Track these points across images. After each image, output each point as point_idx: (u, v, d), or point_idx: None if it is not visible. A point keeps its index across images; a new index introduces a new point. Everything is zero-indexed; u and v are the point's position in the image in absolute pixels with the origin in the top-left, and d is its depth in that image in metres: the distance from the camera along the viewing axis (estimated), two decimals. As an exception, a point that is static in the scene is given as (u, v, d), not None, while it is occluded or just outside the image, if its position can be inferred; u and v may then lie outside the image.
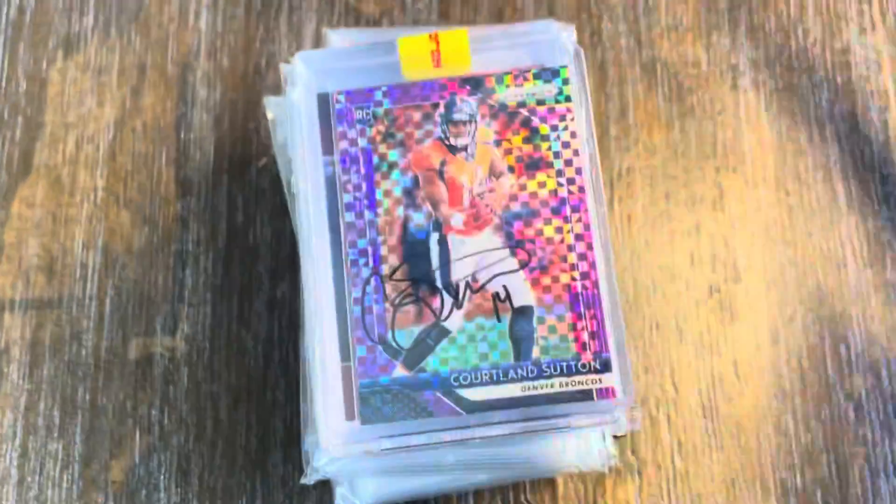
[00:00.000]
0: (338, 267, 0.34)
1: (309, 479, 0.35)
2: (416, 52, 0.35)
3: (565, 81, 0.36)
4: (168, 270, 0.45)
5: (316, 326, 0.32)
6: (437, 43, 0.35)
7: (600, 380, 0.33)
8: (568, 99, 0.36)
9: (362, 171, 0.35)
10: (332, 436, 0.31)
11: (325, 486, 0.42)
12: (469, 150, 0.35)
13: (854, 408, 0.43)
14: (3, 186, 0.47)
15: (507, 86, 0.36)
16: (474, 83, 0.36)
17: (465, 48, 0.35)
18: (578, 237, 0.35)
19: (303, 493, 0.42)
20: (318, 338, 0.33)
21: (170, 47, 0.49)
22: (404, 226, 0.34)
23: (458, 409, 0.33)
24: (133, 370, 0.44)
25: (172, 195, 0.47)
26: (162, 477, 0.43)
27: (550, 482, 0.42)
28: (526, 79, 0.36)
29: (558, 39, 0.36)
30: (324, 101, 0.34)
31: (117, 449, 0.43)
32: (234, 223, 0.46)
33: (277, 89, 0.47)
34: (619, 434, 0.40)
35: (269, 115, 0.41)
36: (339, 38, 0.38)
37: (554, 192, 0.35)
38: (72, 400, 0.44)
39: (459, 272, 0.34)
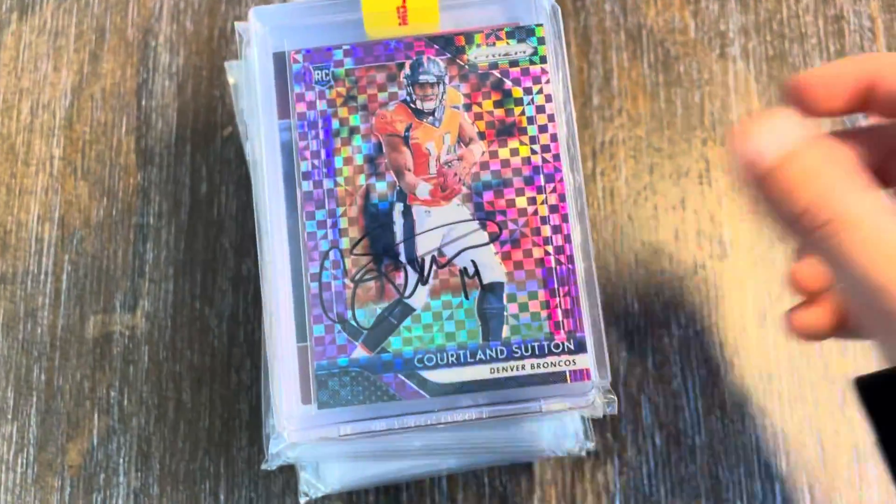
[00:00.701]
0: (294, 240, 0.32)
1: (270, 464, 0.34)
2: (380, 8, 0.32)
3: (541, 41, 0.33)
4: (128, 244, 0.43)
5: (272, 304, 0.30)
6: (404, -2, 0.33)
7: (574, 361, 0.31)
8: (543, 60, 0.33)
9: (321, 136, 0.32)
10: (288, 420, 0.29)
11: (292, 470, 0.40)
12: (437, 114, 0.33)
13: (841, 390, 0.41)
14: (-46, 156, 0.44)
15: (478, 45, 0.33)
16: (443, 42, 0.33)
17: (434, 4, 0.33)
18: (553, 209, 0.32)
19: (268, 476, 0.40)
20: (274, 316, 0.30)
21: (130, 10, 0.46)
22: (366, 196, 0.32)
23: (421, 392, 0.31)
24: (91, 349, 0.42)
25: (133, 165, 0.44)
26: (121, 461, 0.41)
27: (527, 466, 0.40)
28: (499, 38, 0.33)
29: (534, -4, 0.33)
30: (280, 60, 0.32)
31: (74, 431, 0.41)
32: (197, 195, 0.44)
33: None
34: (595, 417, 0.38)
35: (231, 80, 0.39)
36: (304, -1, 0.36)
37: (527, 160, 0.33)
38: (26, 380, 0.42)
39: (425, 246, 0.32)
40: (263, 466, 0.34)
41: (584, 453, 0.38)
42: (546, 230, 0.32)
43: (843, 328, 0.33)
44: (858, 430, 0.41)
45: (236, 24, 0.33)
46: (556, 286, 0.32)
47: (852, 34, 0.46)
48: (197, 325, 0.42)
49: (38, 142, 0.45)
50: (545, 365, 0.31)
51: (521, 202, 0.32)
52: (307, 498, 0.37)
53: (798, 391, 0.42)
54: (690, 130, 0.45)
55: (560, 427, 0.35)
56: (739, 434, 0.41)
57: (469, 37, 0.33)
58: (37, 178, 0.44)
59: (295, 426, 0.29)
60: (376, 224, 0.32)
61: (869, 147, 0.30)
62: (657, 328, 0.42)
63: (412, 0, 0.32)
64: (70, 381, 0.42)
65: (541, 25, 0.33)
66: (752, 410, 0.41)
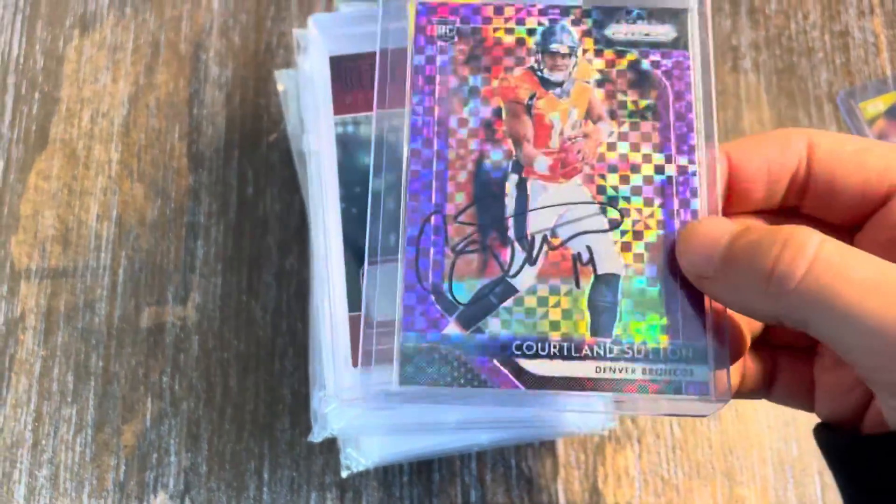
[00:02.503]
0: (347, 239, 0.31)
1: (316, 436, 0.36)
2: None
3: (684, 24, 0.31)
4: (180, 241, 0.47)
5: (324, 274, 0.32)
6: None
7: (692, 371, 0.28)
8: (686, 46, 0.30)
9: (437, 93, 0.30)
10: (340, 382, 0.31)
11: (331, 452, 0.43)
12: (565, 86, 0.30)
13: (850, 380, 0.44)
14: (21, 159, 0.48)
15: (619, 21, 0.31)
16: (582, 12, 0.31)
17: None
18: (683, 203, 0.29)
19: (309, 457, 0.43)
20: (327, 286, 0.31)
21: (183, 26, 0.50)
22: (478, 162, 0.29)
23: (516, 381, 0.28)
24: (145, 338, 0.45)
25: (185, 169, 0.48)
26: (172, 441, 0.44)
27: (551, 449, 0.43)
28: (642, 17, 0.31)
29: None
30: (336, 63, 0.35)
31: (129, 414, 0.44)
32: (244, 196, 0.47)
33: (288, 66, 0.48)
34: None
35: (280, 87, 0.42)
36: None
37: (659, 148, 0.30)
38: (85, 366, 0.45)
39: (537, 224, 0.29)
40: (309, 439, 0.37)
41: (605, 432, 0.40)
42: (674, 225, 0.29)
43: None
44: (865, 418, 0.43)
45: (294, 30, 0.36)
46: (678, 287, 0.29)
47: (857, 48, 0.49)
48: (243, 316, 0.45)
49: (97, 147, 0.48)
50: (659, 371, 0.28)
51: (649, 192, 0.29)
52: (349, 471, 0.39)
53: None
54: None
55: (586, 406, 0.38)
56: (753, 421, 0.43)
57: (610, 11, 0.31)
58: (96, 181, 0.48)
59: (347, 385, 0.31)
60: (487, 193, 0.29)
61: None
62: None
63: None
64: (125, 367, 0.45)
65: (686, 10, 0.31)
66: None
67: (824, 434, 0.28)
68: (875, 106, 0.47)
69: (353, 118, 0.34)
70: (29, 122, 0.48)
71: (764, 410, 0.44)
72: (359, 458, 0.38)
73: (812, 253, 0.23)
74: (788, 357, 0.30)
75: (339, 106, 0.34)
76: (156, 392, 0.44)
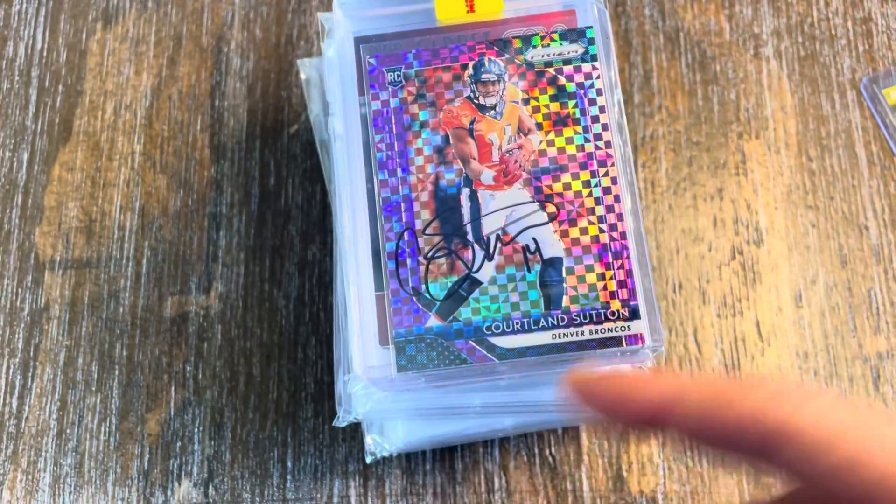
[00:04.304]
0: (372, 220, 0.35)
1: (341, 420, 0.36)
2: (450, -3, 0.36)
3: (591, 41, 0.37)
4: (202, 232, 0.47)
5: (350, 254, 0.34)
6: (471, -12, 0.37)
7: (629, 327, 0.34)
8: (594, 58, 0.37)
9: (394, 130, 0.36)
10: (368, 360, 0.32)
11: (354, 440, 0.43)
12: (498, 108, 0.36)
13: (874, 368, 0.44)
14: (45, 151, 0.48)
15: (534, 46, 0.37)
16: (502, 44, 0.37)
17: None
18: (606, 190, 0.36)
19: (332, 445, 0.43)
20: (354, 267, 0.34)
21: (205, 19, 0.50)
22: (436, 182, 0.36)
23: (490, 356, 0.34)
24: (168, 327, 0.45)
25: (207, 160, 0.48)
26: (196, 430, 0.44)
27: (575, 437, 0.43)
28: (553, 39, 0.37)
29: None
30: (360, 43, 0.36)
31: (153, 403, 0.44)
32: (266, 187, 0.47)
33: (310, 58, 0.48)
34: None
35: (303, 76, 0.42)
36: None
37: (581, 148, 0.36)
38: (109, 356, 0.45)
39: (490, 226, 0.35)
40: (335, 423, 0.37)
41: (630, 418, 0.40)
42: (600, 210, 0.35)
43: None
44: (892, 405, 0.43)
45: (320, 14, 0.36)
46: (610, 260, 0.35)
47: (880, 35, 0.49)
48: (266, 305, 0.45)
49: (120, 139, 0.48)
50: (602, 331, 0.34)
51: (577, 185, 0.36)
52: (373, 457, 0.39)
53: (832, 368, 0.44)
54: (727, 125, 0.47)
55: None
56: (777, 408, 0.43)
57: (526, 39, 0.37)
58: (119, 172, 0.48)
59: (374, 364, 0.32)
60: (445, 207, 0.35)
61: None
62: (697, 309, 0.45)
63: (479, -11, 0.36)
64: (149, 356, 0.45)
65: (591, 27, 0.37)
66: (789, 386, 0.43)
67: None
68: (899, 92, 0.47)
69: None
70: (53, 115, 0.49)
71: (789, 398, 0.43)
72: (383, 443, 0.38)
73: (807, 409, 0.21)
74: None
75: (363, 86, 0.34)
76: (179, 381, 0.45)
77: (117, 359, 0.45)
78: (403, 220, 0.35)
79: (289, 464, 0.43)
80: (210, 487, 0.43)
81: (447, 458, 0.43)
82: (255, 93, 0.49)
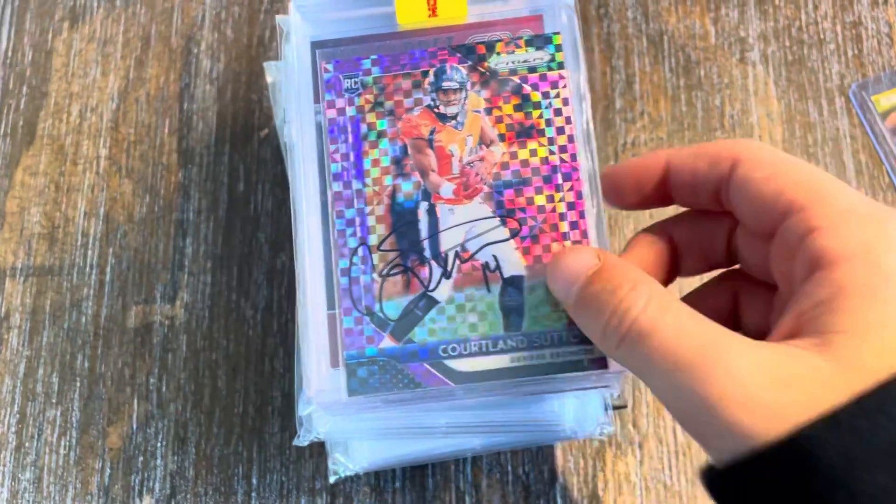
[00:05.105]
0: (326, 234, 0.33)
1: (302, 440, 0.35)
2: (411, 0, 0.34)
3: (558, 48, 0.35)
4: (169, 239, 0.45)
5: (304, 271, 0.32)
6: (433, -10, 0.35)
7: (591, 350, 0.32)
8: (560, 66, 0.35)
9: (350, 140, 0.34)
10: (318, 383, 0.30)
11: (321, 456, 0.42)
12: (459, 118, 0.35)
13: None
14: (7, 155, 0.47)
15: (499, 53, 0.35)
16: (465, 50, 0.35)
17: (462, -2, 0.35)
18: (570, 205, 0.34)
19: (299, 461, 0.42)
20: (306, 283, 0.32)
21: (174, 19, 0.49)
22: (392, 195, 0.34)
23: (446, 380, 0.32)
24: (132, 338, 0.44)
25: (174, 165, 0.47)
26: (159, 444, 0.42)
27: (549, 455, 0.41)
28: (518, 46, 0.35)
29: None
30: (317, 48, 0.34)
31: (115, 416, 0.43)
32: (235, 193, 0.46)
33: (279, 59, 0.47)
34: (616, 405, 0.39)
35: (269, 79, 0.41)
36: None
37: (545, 160, 0.34)
38: (71, 367, 0.44)
39: (448, 242, 0.33)
40: (295, 442, 0.35)
41: (604, 437, 0.39)
42: (564, 226, 0.33)
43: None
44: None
45: (277, 17, 0.35)
46: None
47: (870, 39, 0.47)
48: (233, 315, 0.44)
49: (86, 142, 0.47)
50: (564, 354, 0.32)
51: (540, 199, 0.34)
52: (337, 476, 0.38)
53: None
54: (711, 132, 0.46)
55: (581, 410, 0.36)
56: (759, 426, 0.42)
57: (490, 45, 0.35)
58: (84, 177, 0.46)
59: (325, 387, 0.31)
60: (402, 222, 0.33)
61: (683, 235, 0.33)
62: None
63: (441, -8, 0.34)
64: (112, 367, 0.44)
65: (558, 33, 0.35)
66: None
67: (708, 474, 0.28)
68: (889, 99, 0.46)
69: (333, 106, 0.33)
70: (16, 117, 0.47)
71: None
72: (347, 463, 0.37)
73: (632, 318, 0.26)
74: (749, 294, 0.32)
75: (320, 93, 0.33)
76: (142, 393, 0.43)
77: (79, 370, 0.44)
78: (358, 234, 0.33)
79: (254, 480, 0.42)
80: (172, 504, 0.42)
81: (417, 476, 0.41)
82: (225, 95, 0.48)
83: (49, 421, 0.43)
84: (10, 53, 0.49)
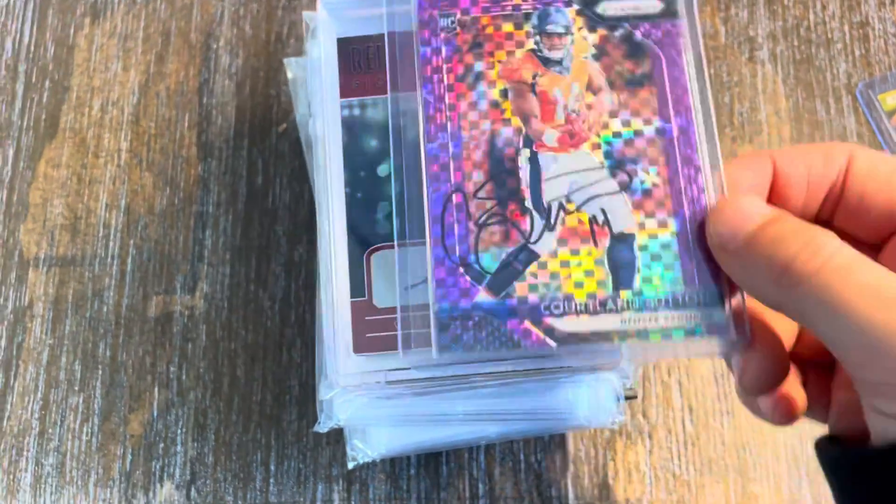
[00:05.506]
0: (350, 223, 0.32)
1: (322, 426, 0.36)
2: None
3: None
4: (188, 231, 0.46)
5: (328, 257, 0.32)
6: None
7: (711, 315, 0.29)
8: (674, 15, 0.32)
9: (445, 80, 0.32)
10: (341, 367, 0.31)
11: (338, 443, 0.43)
12: (564, 62, 0.32)
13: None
14: (30, 147, 0.48)
15: None
16: None
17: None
18: (686, 160, 0.31)
19: (316, 448, 0.43)
20: (330, 269, 0.32)
21: (194, 15, 0.50)
22: (491, 141, 0.31)
23: (548, 340, 0.29)
24: (153, 327, 0.45)
25: (194, 158, 0.47)
26: (179, 431, 0.43)
27: (561, 444, 0.42)
28: None
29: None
30: (344, 45, 0.34)
31: (136, 403, 0.44)
32: (253, 186, 0.47)
33: (299, 56, 0.47)
34: (627, 395, 0.40)
35: (290, 75, 0.42)
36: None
37: (657, 111, 0.31)
38: (93, 355, 0.45)
39: (552, 192, 0.31)
40: (315, 428, 0.36)
41: (615, 426, 0.39)
42: (679, 180, 0.31)
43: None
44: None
45: (304, 13, 0.36)
46: (690, 238, 0.30)
47: (877, 39, 0.48)
48: (251, 306, 0.45)
49: (107, 136, 0.48)
50: (679, 318, 0.30)
51: (653, 152, 0.31)
52: (355, 463, 0.39)
53: (824, 377, 0.43)
54: (720, 129, 0.47)
55: (594, 399, 0.37)
56: (766, 417, 0.43)
57: None
58: (105, 169, 0.47)
59: (348, 372, 0.31)
60: (501, 169, 0.31)
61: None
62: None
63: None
64: (133, 356, 0.45)
65: None
66: (778, 395, 0.43)
67: (824, 447, 0.28)
68: (895, 97, 0.47)
69: (359, 101, 0.33)
70: (39, 111, 0.48)
71: (778, 407, 0.43)
72: (365, 449, 0.38)
73: (826, 256, 0.25)
74: (810, 371, 0.31)
75: (346, 89, 0.33)
76: (163, 382, 0.44)
77: (101, 358, 0.45)
78: (453, 180, 0.31)
79: (272, 467, 0.43)
80: (192, 490, 0.43)
81: (432, 463, 0.42)
82: (243, 91, 0.48)
83: (72, 408, 0.44)
84: (32, 48, 0.49)
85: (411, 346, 0.30)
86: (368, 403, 0.33)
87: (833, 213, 0.30)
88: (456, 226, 0.31)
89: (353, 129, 0.33)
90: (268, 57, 0.49)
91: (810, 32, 0.48)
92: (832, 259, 0.25)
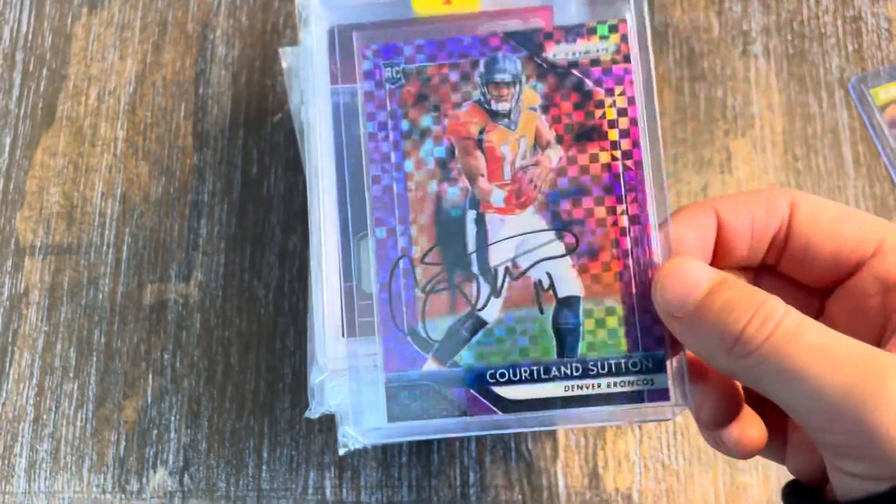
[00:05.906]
0: (341, 211, 0.32)
1: (313, 412, 0.36)
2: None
3: (624, 38, 0.31)
4: (183, 220, 0.47)
5: (319, 245, 0.32)
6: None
7: (653, 381, 0.30)
8: (626, 59, 0.31)
9: (391, 138, 0.31)
10: (330, 351, 0.31)
11: (330, 431, 0.43)
12: (512, 116, 0.31)
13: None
14: (27, 136, 0.48)
15: (558, 42, 0.31)
16: (521, 38, 0.31)
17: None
18: (633, 219, 0.30)
19: (308, 435, 0.43)
20: (322, 256, 0.32)
21: (191, 5, 0.50)
22: (437, 202, 0.31)
23: (494, 408, 0.30)
24: (147, 315, 0.45)
25: (189, 148, 0.48)
26: (173, 418, 0.44)
27: (551, 433, 0.43)
28: (580, 34, 0.31)
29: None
30: (335, 33, 0.34)
31: (130, 390, 0.44)
32: (248, 176, 0.47)
33: (294, 45, 0.48)
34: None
35: (284, 65, 0.42)
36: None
37: (607, 167, 0.30)
38: (87, 342, 0.45)
39: (498, 256, 0.30)
40: (307, 415, 0.36)
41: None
42: (626, 242, 0.30)
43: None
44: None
45: (298, 1, 0.36)
46: (634, 303, 0.30)
47: (870, 34, 0.48)
48: (246, 295, 0.45)
49: (103, 125, 0.48)
50: (622, 384, 0.30)
51: (601, 212, 0.30)
52: (346, 449, 0.39)
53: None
54: (713, 122, 0.47)
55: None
56: (756, 408, 0.43)
57: (547, 33, 0.32)
58: (101, 158, 0.48)
59: (336, 356, 0.31)
60: (448, 233, 0.31)
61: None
62: (678, 307, 0.44)
63: (456, -23, 0.33)
64: (127, 343, 0.45)
65: (625, 20, 0.31)
66: (768, 386, 0.43)
67: (791, 495, 0.28)
68: (887, 92, 0.47)
69: (351, 88, 0.34)
70: (36, 99, 0.49)
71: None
72: (357, 436, 0.38)
73: (775, 322, 0.25)
74: (766, 410, 0.31)
75: (338, 77, 0.34)
76: (157, 369, 0.45)
77: (95, 345, 0.45)
78: (399, 245, 0.30)
79: (264, 454, 0.43)
80: (185, 476, 0.43)
81: (424, 451, 0.43)
82: (239, 81, 0.49)
83: (66, 394, 0.44)
84: (30, 37, 0.50)
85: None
86: (358, 389, 0.33)
87: (779, 260, 0.30)
88: (403, 293, 0.30)
89: (343, 117, 0.34)
90: (264, 47, 0.49)
91: (804, 27, 0.49)
92: (781, 325, 0.25)
